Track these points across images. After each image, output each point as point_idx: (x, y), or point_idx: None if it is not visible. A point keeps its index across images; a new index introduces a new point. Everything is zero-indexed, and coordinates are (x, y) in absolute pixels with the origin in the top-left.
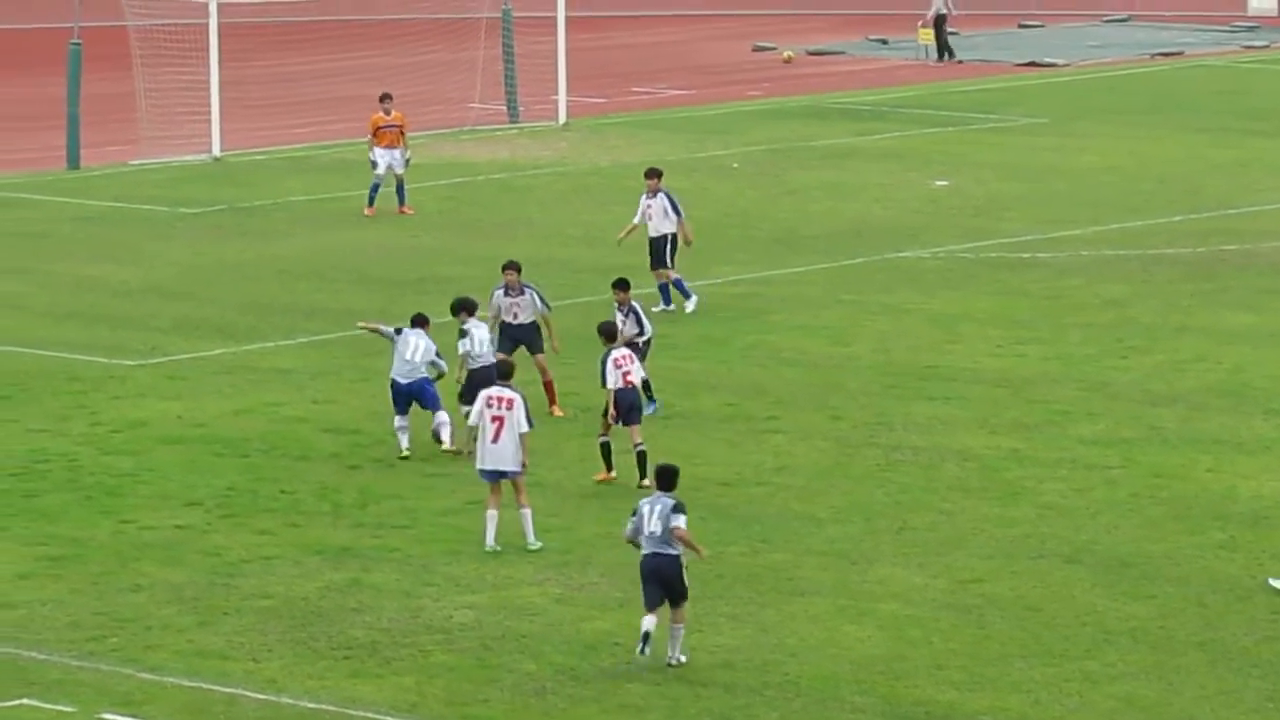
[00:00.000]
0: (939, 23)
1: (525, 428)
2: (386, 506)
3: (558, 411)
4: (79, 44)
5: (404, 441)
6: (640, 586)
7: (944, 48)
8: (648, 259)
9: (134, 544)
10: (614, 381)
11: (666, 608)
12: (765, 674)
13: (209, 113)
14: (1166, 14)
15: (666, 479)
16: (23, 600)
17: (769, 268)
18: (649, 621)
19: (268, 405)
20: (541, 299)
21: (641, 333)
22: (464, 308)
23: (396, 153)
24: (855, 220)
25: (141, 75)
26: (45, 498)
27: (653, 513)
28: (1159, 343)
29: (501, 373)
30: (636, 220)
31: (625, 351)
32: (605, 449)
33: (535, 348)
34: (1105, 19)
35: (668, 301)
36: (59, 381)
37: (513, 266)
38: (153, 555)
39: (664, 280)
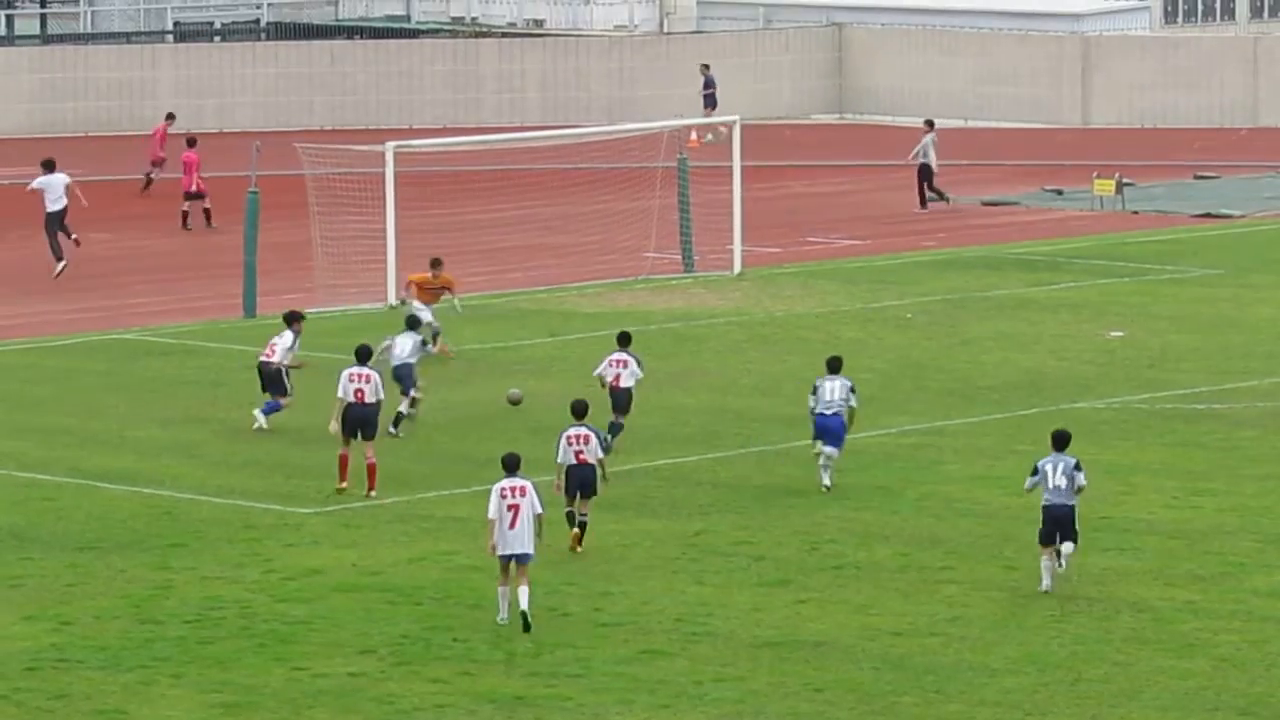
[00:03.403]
0: (924, 173)
1: (539, 510)
2: (559, 655)
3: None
4: (256, 192)
5: None
6: (1040, 526)
7: (928, 197)
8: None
9: (307, 691)
10: (565, 458)
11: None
12: None
13: (385, 261)
14: None
15: (1063, 441)
16: None
17: (943, 418)
18: (1047, 555)
19: (442, 553)
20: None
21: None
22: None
23: (432, 307)
24: (1030, 371)
25: (318, 224)
26: (219, 645)
27: (1056, 470)
28: None
29: (507, 464)
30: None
31: (583, 431)
32: (570, 516)
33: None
34: None
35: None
36: (234, 529)
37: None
38: (326, 703)
39: None
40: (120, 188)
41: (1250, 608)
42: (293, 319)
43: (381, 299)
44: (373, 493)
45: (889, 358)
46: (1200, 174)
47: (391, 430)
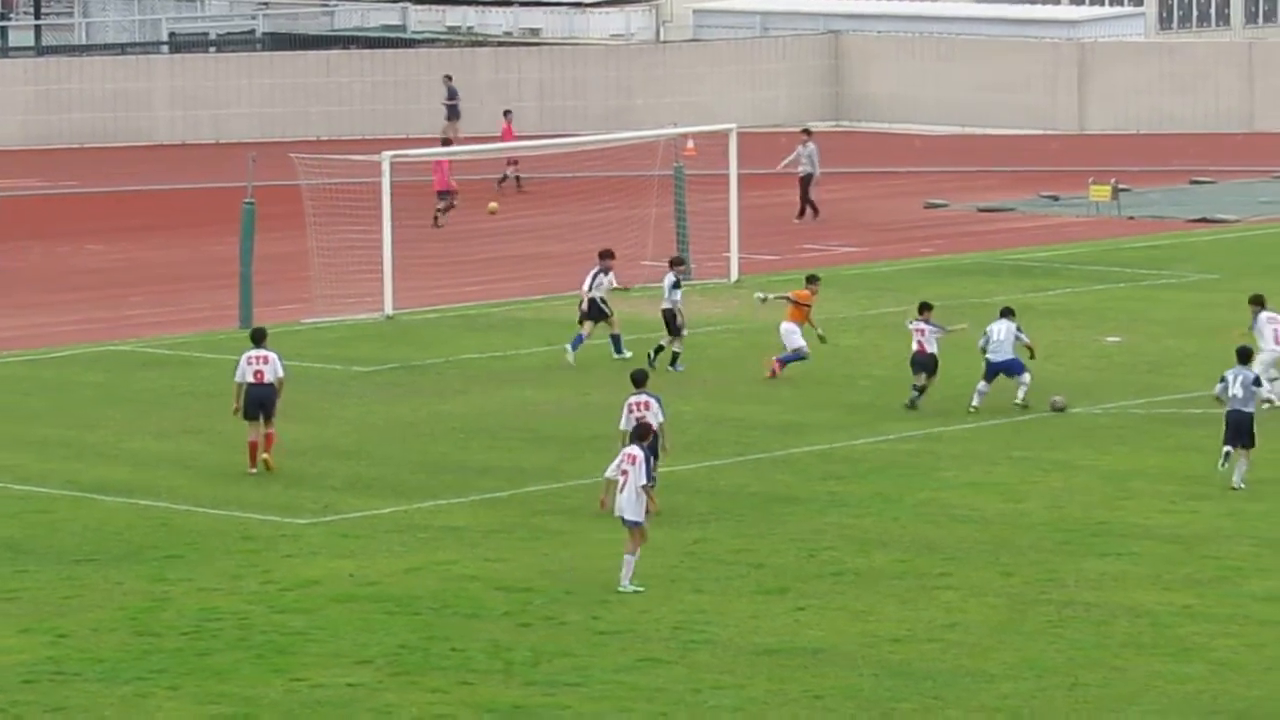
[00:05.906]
0: (805, 182)
1: (643, 481)
2: (558, 664)
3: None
4: (252, 203)
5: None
6: (1223, 428)
7: (809, 206)
8: None
9: (305, 702)
10: (626, 424)
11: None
12: None
13: (381, 271)
14: None
15: (1246, 356)
16: None
17: (941, 424)
18: (1226, 449)
19: (439, 563)
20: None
21: None
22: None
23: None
24: None
25: (314, 234)
26: (217, 656)
27: (1236, 380)
28: None
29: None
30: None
31: (644, 398)
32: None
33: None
34: (1276, 175)
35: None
36: (232, 540)
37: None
38: (324, 714)
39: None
40: (115, 200)
41: (1247, 612)
42: (606, 255)
43: (378, 309)
44: (266, 455)
45: (887, 364)
46: (1196, 179)
47: (671, 368)
